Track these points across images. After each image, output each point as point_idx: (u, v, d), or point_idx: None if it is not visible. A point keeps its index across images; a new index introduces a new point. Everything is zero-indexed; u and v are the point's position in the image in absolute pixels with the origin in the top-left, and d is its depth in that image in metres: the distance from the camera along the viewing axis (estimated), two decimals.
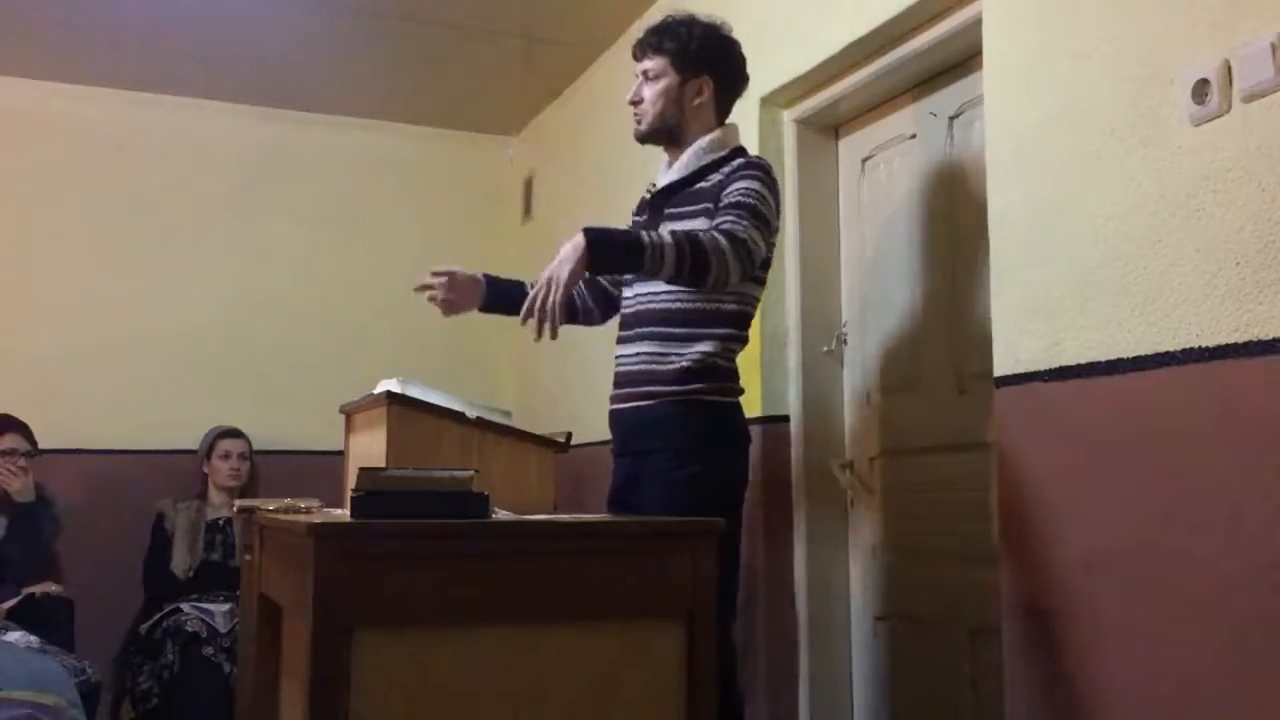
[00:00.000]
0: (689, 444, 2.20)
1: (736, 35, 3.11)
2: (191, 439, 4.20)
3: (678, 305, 2.25)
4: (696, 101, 2.33)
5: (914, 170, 2.70)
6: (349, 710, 1.54)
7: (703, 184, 2.28)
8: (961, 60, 2.50)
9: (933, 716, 2.56)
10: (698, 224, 2.20)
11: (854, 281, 2.93)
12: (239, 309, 4.52)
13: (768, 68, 2.94)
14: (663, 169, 2.40)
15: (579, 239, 2.00)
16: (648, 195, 2.46)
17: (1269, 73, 1.61)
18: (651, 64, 2.34)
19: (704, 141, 2.32)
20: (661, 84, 2.33)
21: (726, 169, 2.27)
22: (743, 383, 2.33)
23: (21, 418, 3.77)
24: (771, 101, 2.99)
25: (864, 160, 2.91)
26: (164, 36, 3.93)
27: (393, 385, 2.13)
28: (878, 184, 2.85)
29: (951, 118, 2.58)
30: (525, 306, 2.05)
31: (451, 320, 4.60)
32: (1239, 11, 1.67)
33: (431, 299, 2.49)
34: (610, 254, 2.03)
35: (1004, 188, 2.13)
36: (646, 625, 1.73)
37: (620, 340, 2.38)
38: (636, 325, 2.32)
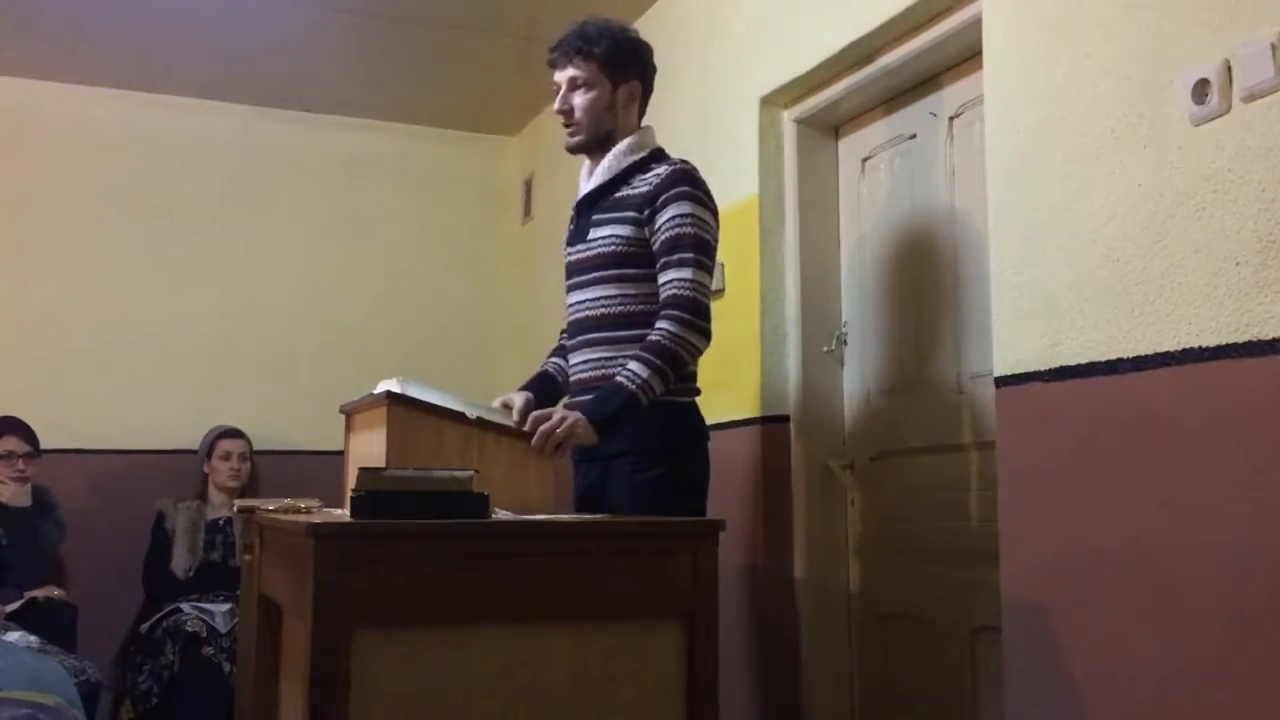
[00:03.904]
0: (653, 445, 2.22)
1: (738, 35, 3.14)
2: (191, 439, 4.20)
3: (618, 309, 2.27)
4: (627, 106, 2.33)
5: (914, 170, 2.70)
6: (349, 710, 1.54)
7: (628, 190, 2.29)
8: (961, 60, 2.50)
9: (933, 716, 2.56)
10: (625, 231, 2.24)
11: (854, 281, 2.93)
12: (239, 309, 4.52)
13: (768, 68, 2.95)
14: (584, 175, 2.39)
15: (584, 421, 2.08)
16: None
17: (1269, 73, 1.61)
18: (580, 71, 2.30)
19: (623, 145, 2.32)
20: (595, 91, 2.30)
21: (651, 176, 2.26)
22: (700, 381, 2.33)
23: (22, 418, 3.77)
24: (771, 101, 2.99)
25: (864, 160, 2.91)
26: (164, 36, 3.93)
27: (393, 385, 2.13)
28: (878, 184, 2.85)
29: (951, 118, 2.58)
30: (538, 436, 2.07)
31: (451, 320, 4.62)
32: (1239, 11, 1.67)
33: None
34: (618, 425, 2.13)
35: (1004, 188, 2.13)
36: (646, 625, 1.73)
37: (571, 348, 2.38)
38: (583, 331, 2.33)
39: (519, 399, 2.37)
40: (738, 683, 2.90)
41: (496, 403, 2.36)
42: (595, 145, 2.35)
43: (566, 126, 2.35)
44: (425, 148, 4.89)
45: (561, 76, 2.34)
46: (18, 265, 4.27)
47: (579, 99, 2.31)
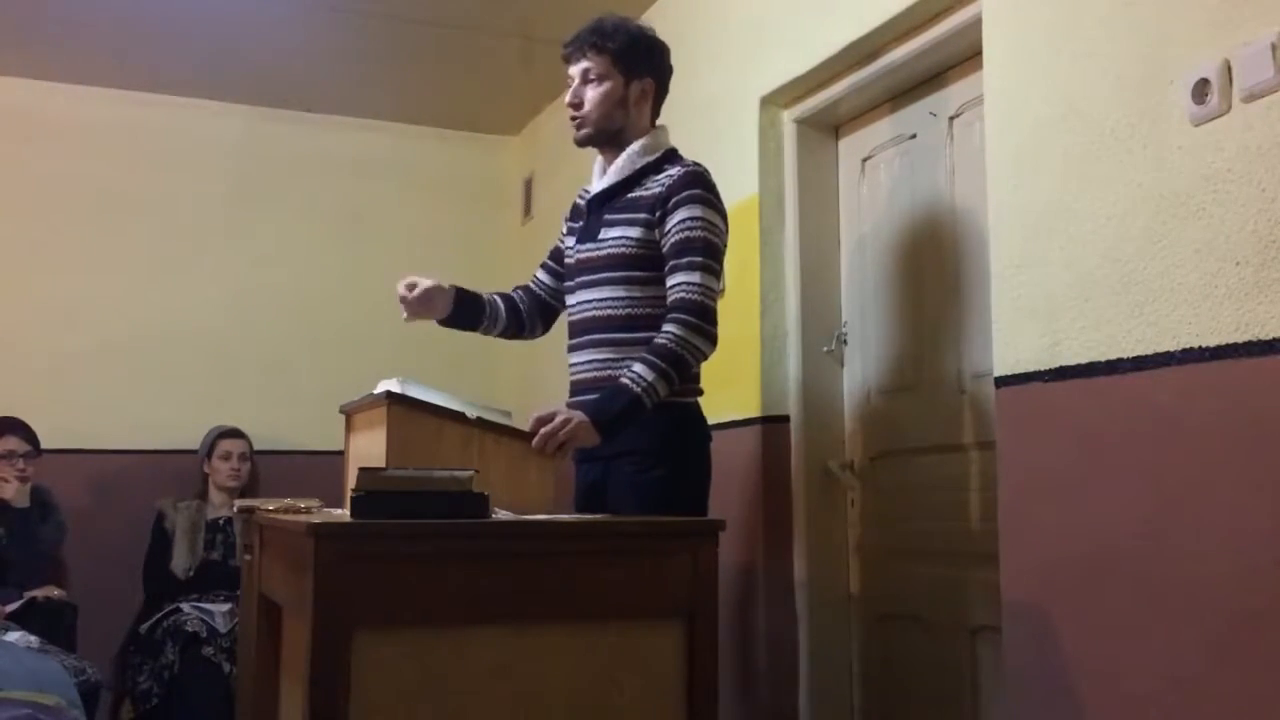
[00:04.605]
0: (655, 446, 2.22)
1: (738, 35, 3.14)
2: (191, 439, 4.20)
3: (625, 311, 2.26)
4: (639, 104, 2.33)
5: (914, 170, 2.70)
6: (349, 710, 1.54)
7: (640, 191, 2.28)
8: (961, 60, 2.50)
9: (933, 716, 2.56)
10: (635, 232, 2.24)
11: (854, 281, 2.93)
12: (239, 309, 4.52)
13: (768, 68, 2.95)
14: (597, 173, 2.39)
15: (587, 422, 2.07)
16: (581, 201, 2.45)
17: (1269, 73, 1.61)
18: (593, 64, 2.29)
19: (637, 145, 2.31)
20: (606, 86, 2.29)
21: (664, 178, 2.26)
22: (701, 382, 2.33)
23: (22, 418, 3.77)
24: (771, 101, 2.99)
25: (864, 160, 2.91)
26: (164, 36, 3.93)
27: (393, 385, 2.13)
28: (878, 184, 2.85)
29: (951, 118, 2.58)
30: (540, 438, 2.06)
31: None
32: (1239, 11, 1.67)
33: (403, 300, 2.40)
34: (621, 428, 2.12)
35: (1004, 188, 2.13)
36: (646, 625, 1.73)
37: (571, 348, 2.37)
38: (585, 332, 2.32)
39: (428, 282, 2.36)
40: (738, 683, 2.90)
41: (401, 285, 2.36)
42: (603, 140, 2.34)
43: (575, 119, 2.34)
44: (425, 148, 4.89)
45: (575, 70, 2.33)
46: (18, 265, 4.27)
47: (590, 92, 2.31)
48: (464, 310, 2.47)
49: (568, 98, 2.34)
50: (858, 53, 2.66)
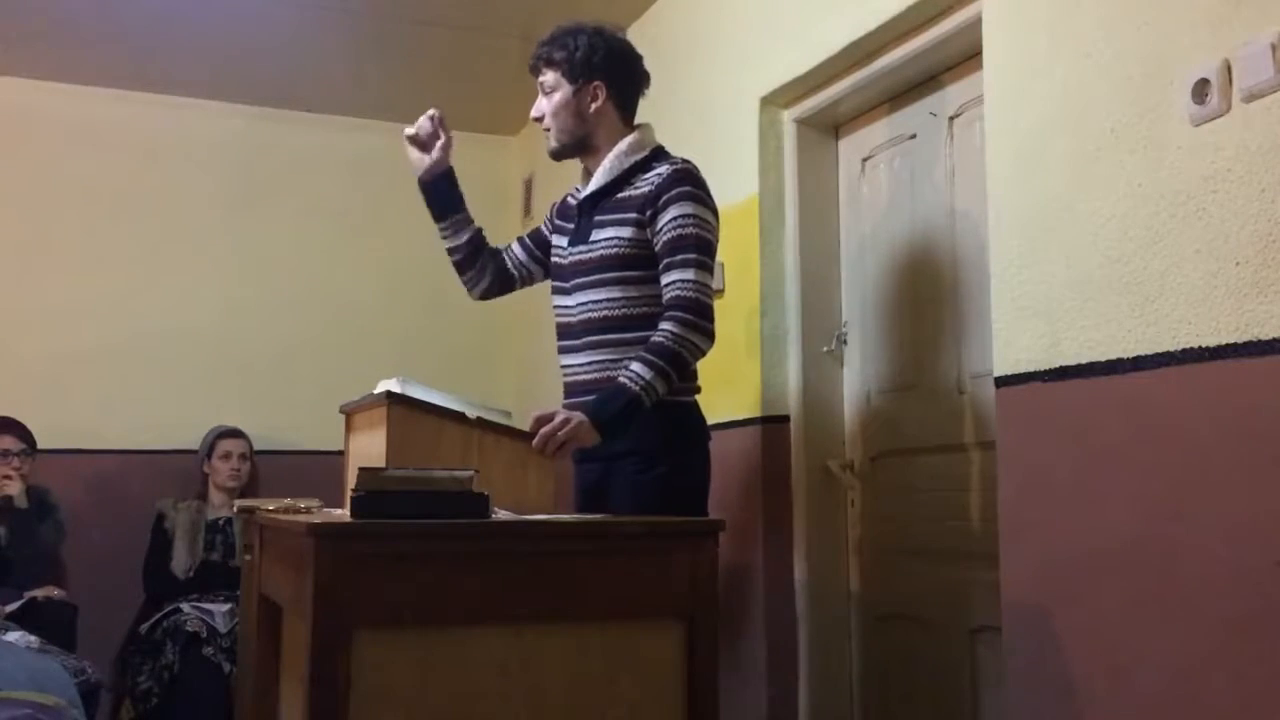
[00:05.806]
0: (656, 445, 2.23)
1: (738, 35, 3.13)
2: (191, 439, 4.20)
3: (623, 311, 2.27)
4: (593, 107, 2.33)
5: (914, 170, 2.71)
6: (349, 710, 1.54)
7: (630, 191, 2.29)
8: (961, 60, 2.51)
9: (933, 716, 2.56)
10: (627, 232, 2.25)
11: (854, 281, 2.93)
12: (239, 309, 4.51)
13: (768, 68, 2.95)
14: (582, 174, 2.41)
15: (587, 422, 2.07)
16: (572, 200, 2.46)
17: (1269, 73, 1.61)
18: (546, 76, 2.35)
19: (623, 145, 2.32)
20: (557, 96, 2.34)
21: (653, 176, 2.27)
22: (700, 381, 2.34)
23: (20, 418, 3.77)
24: (771, 101, 2.99)
25: (864, 160, 2.91)
26: (164, 36, 3.93)
27: (393, 385, 2.13)
28: (878, 184, 2.85)
29: (951, 118, 2.58)
30: (540, 438, 2.07)
31: (451, 320, 4.61)
32: (1239, 11, 1.67)
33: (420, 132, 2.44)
34: (621, 427, 2.13)
35: (1004, 188, 2.13)
36: (646, 626, 1.73)
37: (565, 349, 2.38)
38: (585, 334, 2.33)
39: (446, 137, 2.43)
40: (738, 683, 2.90)
41: (425, 118, 2.41)
42: (574, 149, 2.37)
43: (546, 135, 2.39)
44: None
45: (538, 84, 2.38)
46: (17, 265, 4.27)
47: (546, 104, 2.36)
48: (451, 185, 2.51)
49: (532, 112, 2.39)
50: (858, 53, 2.66)
